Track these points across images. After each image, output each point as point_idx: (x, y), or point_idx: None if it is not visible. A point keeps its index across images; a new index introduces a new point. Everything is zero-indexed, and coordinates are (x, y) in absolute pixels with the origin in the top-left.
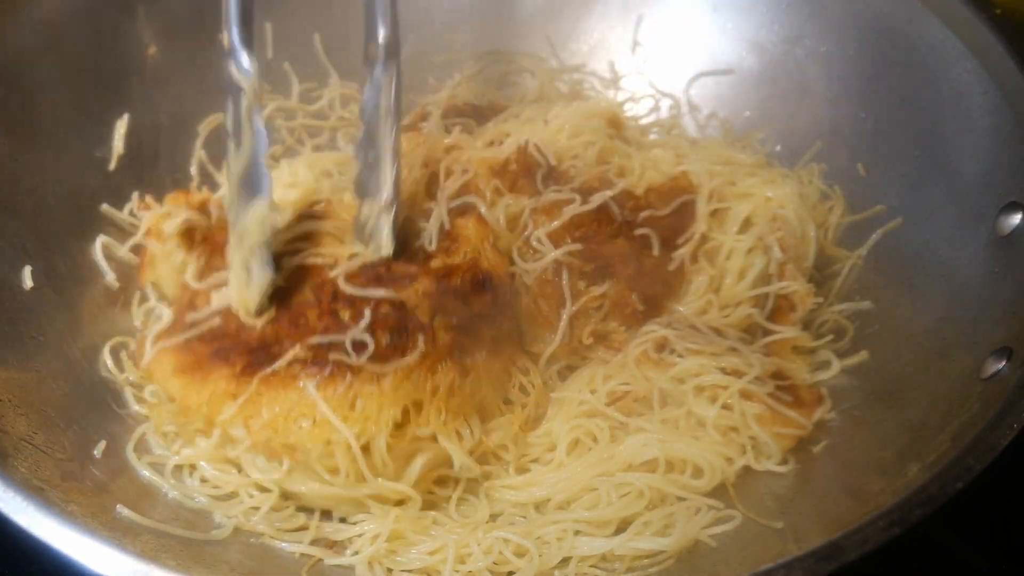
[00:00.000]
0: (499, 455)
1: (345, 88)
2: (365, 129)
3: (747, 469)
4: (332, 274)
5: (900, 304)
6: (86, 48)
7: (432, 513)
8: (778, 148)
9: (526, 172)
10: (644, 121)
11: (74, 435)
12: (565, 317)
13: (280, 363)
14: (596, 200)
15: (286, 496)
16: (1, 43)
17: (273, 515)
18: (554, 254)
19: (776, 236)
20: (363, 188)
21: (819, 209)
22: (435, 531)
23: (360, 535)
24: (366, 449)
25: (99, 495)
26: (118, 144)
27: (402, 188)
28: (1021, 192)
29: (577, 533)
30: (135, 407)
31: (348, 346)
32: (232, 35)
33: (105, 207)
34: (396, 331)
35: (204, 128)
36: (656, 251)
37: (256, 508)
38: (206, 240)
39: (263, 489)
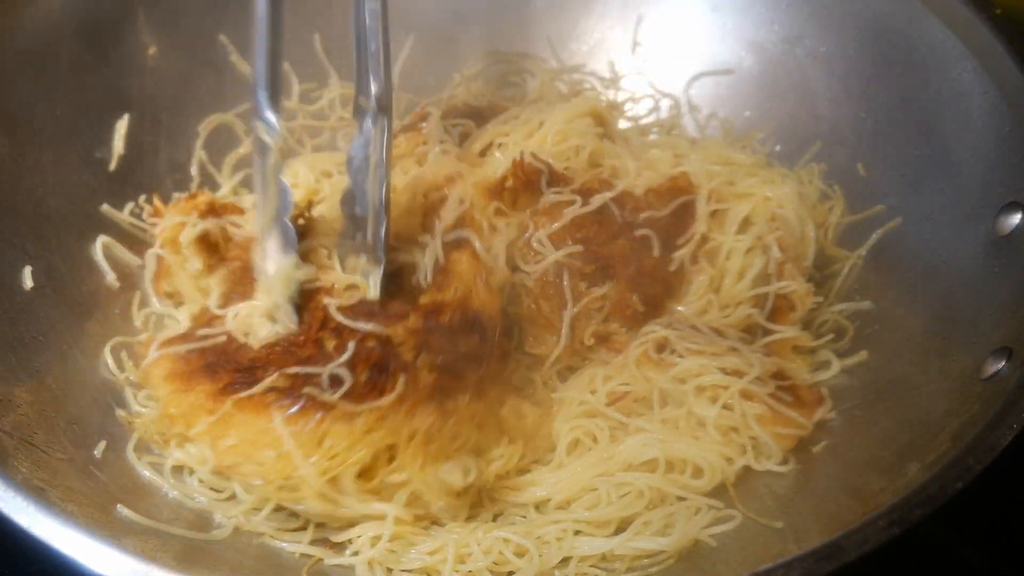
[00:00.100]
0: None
1: (345, 88)
2: (352, 182)
3: (747, 469)
4: (326, 302)
5: (900, 304)
6: (86, 49)
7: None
8: (778, 148)
9: (526, 187)
10: (644, 121)
11: (74, 435)
12: (567, 319)
13: (256, 389)
14: (596, 201)
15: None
16: (1, 43)
17: (273, 515)
18: (555, 255)
19: (775, 236)
20: (347, 243)
21: (819, 209)
22: (435, 531)
23: (360, 536)
24: (333, 484)
25: (99, 495)
26: (118, 144)
27: (394, 228)
28: (1021, 192)
29: (577, 533)
30: (135, 407)
31: (325, 380)
32: (259, 96)
33: (105, 207)
34: (377, 368)
35: (204, 128)
36: (656, 252)
37: (258, 509)
38: (224, 258)
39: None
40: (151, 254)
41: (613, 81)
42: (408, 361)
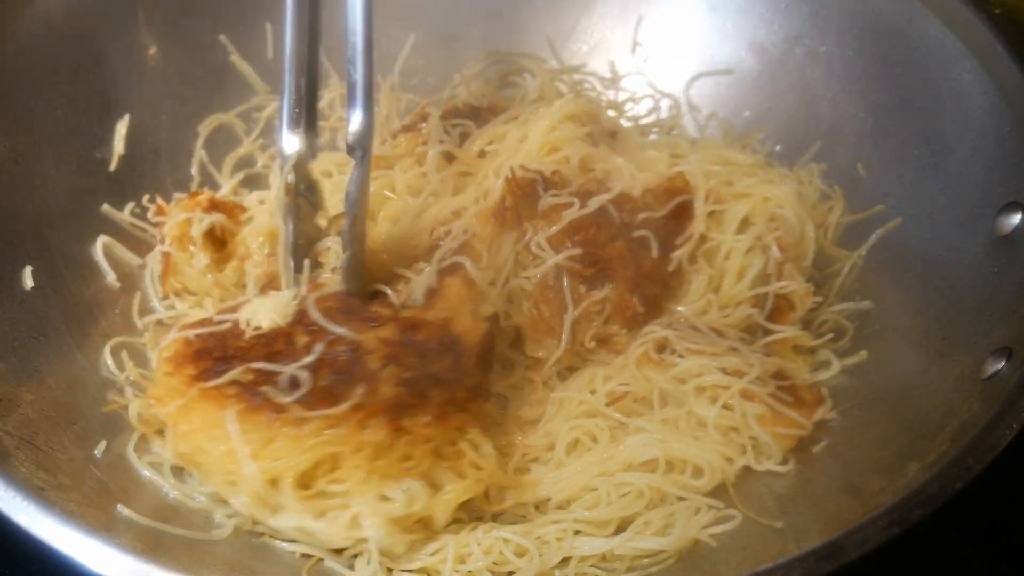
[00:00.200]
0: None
1: (345, 88)
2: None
3: (747, 469)
4: (307, 295)
5: (900, 304)
6: (86, 48)
7: None
8: (778, 148)
9: (525, 199)
10: (644, 121)
11: (74, 435)
12: (567, 323)
13: (220, 380)
14: (595, 203)
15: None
16: (1, 43)
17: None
18: (554, 259)
19: (774, 236)
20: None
21: (819, 209)
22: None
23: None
24: (272, 487)
25: (99, 495)
26: (118, 144)
27: (394, 251)
28: (1020, 192)
29: (577, 533)
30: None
31: (284, 381)
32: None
33: (106, 207)
34: (338, 375)
35: (204, 128)
36: (655, 252)
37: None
38: (230, 253)
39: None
40: (158, 251)
41: (613, 81)
42: (372, 371)
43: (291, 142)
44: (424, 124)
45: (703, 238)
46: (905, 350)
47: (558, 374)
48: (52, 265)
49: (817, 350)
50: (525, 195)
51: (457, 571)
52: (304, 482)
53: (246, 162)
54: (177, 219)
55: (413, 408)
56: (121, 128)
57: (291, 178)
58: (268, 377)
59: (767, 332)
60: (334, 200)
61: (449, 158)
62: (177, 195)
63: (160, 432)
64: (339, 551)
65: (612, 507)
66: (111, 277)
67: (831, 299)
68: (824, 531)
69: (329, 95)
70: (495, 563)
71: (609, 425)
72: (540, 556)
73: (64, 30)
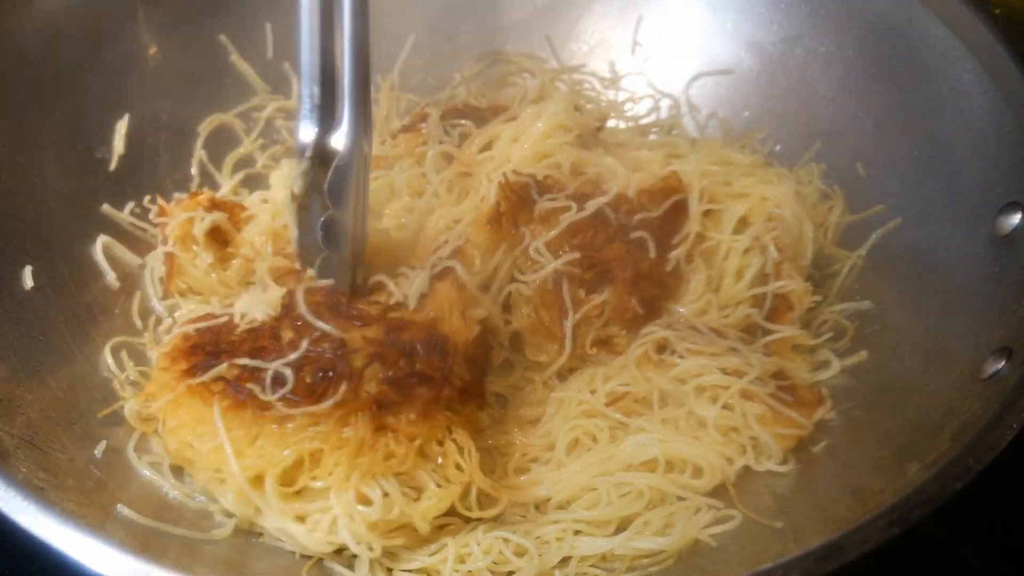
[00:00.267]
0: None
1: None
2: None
3: (747, 469)
4: (295, 286)
5: (900, 304)
6: (86, 49)
7: None
8: (778, 148)
9: (519, 203)
10: (644, 121)
11: (74, 434)
12: (568, 327)
13: (206, 376)
14: (591, 207)
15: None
16: (1, 43)
17: None
18: (554, 264)
19: (772, 236)
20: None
21: (819, 209)
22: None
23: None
24: (257, 484)
25: (99, 494)
26: (118, 144)
27: (387, 256)
28: (1020, 192)
29: (577, 533)
30: (126, 409)
31: (268, 378)
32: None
33: (106, 207)
34: (322, 372)
35: (204, 128)
36: (652, 253)
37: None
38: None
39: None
40: (161, 252)
41: (613, 81)
42: (356, 368)
43: (307, 132)
44: (424, 124)
45: (700, 237)
46: (905, 350)
47: (558, 374)
48: (52, 265)
49: (817, 350)
50: (519, 199)
51: (457, 571)
52: (287, 481)
53: (246, 162)
54: (179, 219)
55: (397, 406)
56: (121, 128)
57: (299, 186)
58: (254, 374)
59: (767, 332)
60: None
61: (449, 158)
62: (177, 195)
63: (157, 431)
64: (338, 551)
65: (612, 507)
66: (111, 277)
67: (831, 299)
68: (824, 531)
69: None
70: (495, 563)
71: (609, 425)
72: (540, 556)
73: (64, 30)
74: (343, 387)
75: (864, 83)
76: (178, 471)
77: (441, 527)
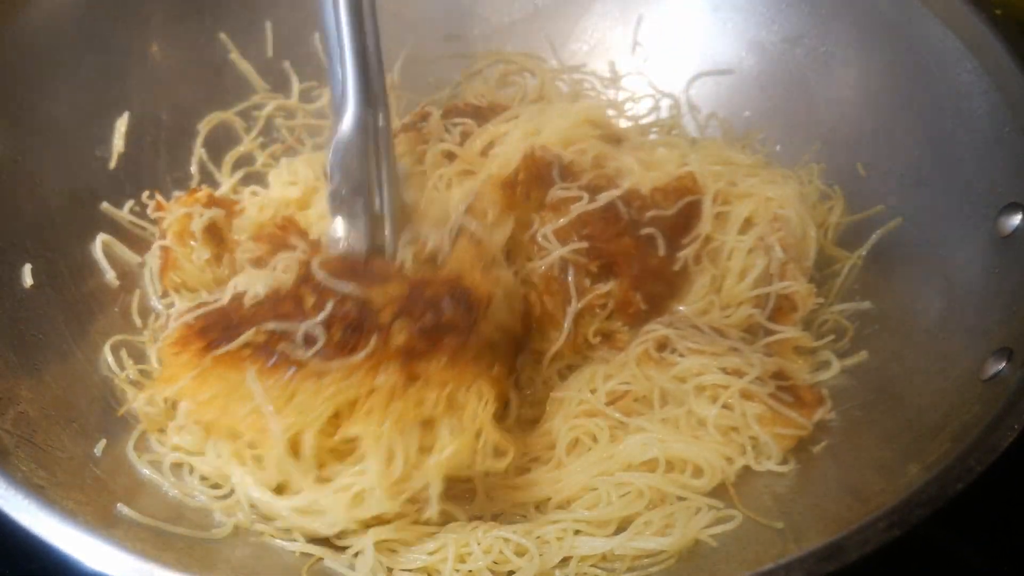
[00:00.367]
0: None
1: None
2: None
3: (747, 469)
4: (311, 258)
5: (900, 304)
6: (86, 47)
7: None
8: (778, 148)
9: (538, 180)
10: (644, 121)
11: (74, 433)
12: (570, 314)
13: (233, 344)
14: (603, 199)
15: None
16: (1, 42)
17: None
18: (560, 251)
19: (777, 236)
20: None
21: (819, 209)
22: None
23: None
24: (295, 444)
25: (99, 493)
26: (118, 143)
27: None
28: (1021, 192)
29: (577, 532)
30: (135, 405)
31: (299, 337)
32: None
33: (105, 206)
34: (351, 328)
35: (204, 127)
36: (662, 251)
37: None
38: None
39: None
40: (158, 246)
41: (613, 81)
42: (384, 323)
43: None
44: (424, 123)
45: (708, 238)
46: (905, 351)
47: (558, 373)
48: (51, 263)
49: (817, 350)
50: (539, 175)
51: (457, 571)
52: (323, 440)
53: (246, 160)
54: (177, 214)
55: (425, 353)
56: (121, 126)
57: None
58: (281, 337)
59: (768, 332)
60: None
61: (450, 157)
62: (176, 194)
63: (162, 430)
64: (340, 550)
65: (612, 507)
66: (110, 275)
67: (831, 299)
68: (824, 532)
69: (329, 94)
70: (495, 563)
71: (609, 424)
72: (540, 556)
73: (64, 28)
74: (373, 339)
75: (864, 83)
76: (177, 469)
77: (443, 523)
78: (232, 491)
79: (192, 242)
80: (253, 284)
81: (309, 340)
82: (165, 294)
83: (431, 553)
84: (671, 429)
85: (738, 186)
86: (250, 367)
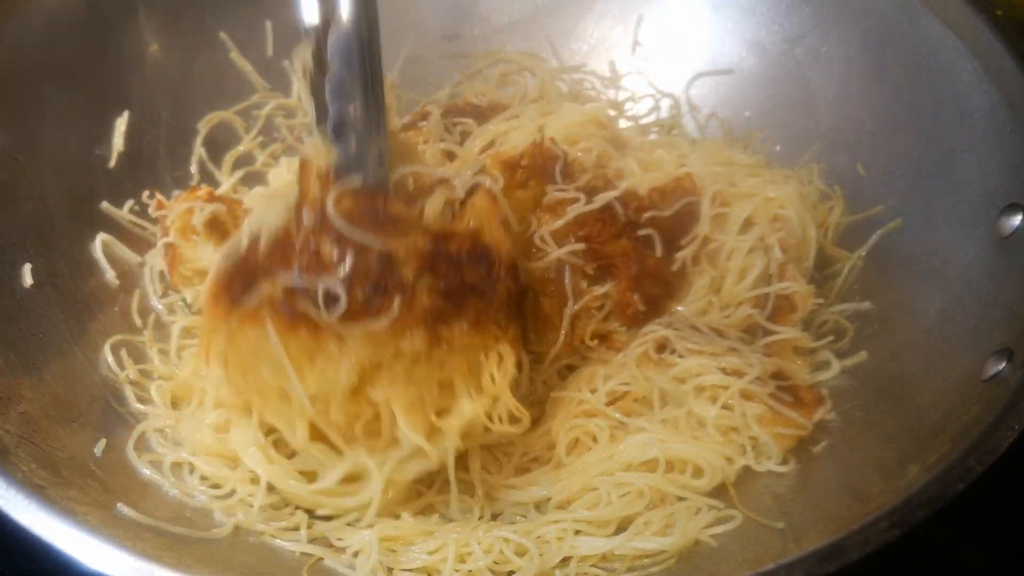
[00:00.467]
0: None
1: None
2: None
3: (747, 469)
4: (325, 200)
5: (900, 304)
6: (86, 46)
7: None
8: (778, 148)
9: (540, 171)
10: (644, 121)
11: (74, 433)
12: (567, 316)
13: (252, 302)
14: (600, 200)
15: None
16: (1, 42)
17: (272, 512)
18: (557, 252)
19: (777, 236)
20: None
21: (819, 209)
22: (435, 530)
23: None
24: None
25: (99, 493)
26: (118, 142)
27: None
28: (1021, 193)
29: (577, 532)
30: (135, 405)
31: (320, 298)
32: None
33: (105, 205)
34: (374, 287)
35: (204, 126)
36: (659, 252)
37: (250, 504)
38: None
39: (256, 482)
40: (161, 244)
41: (613, 81)
42: (407, 281)
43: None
44: (424, 123)
45: (707, 239)
46: (905, 350)
47: (558, 373)
48: (51, 262)
49: (817, 351)
50: (543, 165)
51: (457, 570)
52: (353, 397)
53: (246, 160)
54: (179, 210)
55: (449, 316)
56: (120, 125)
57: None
58: (300, 295)
59: (768, 333)
60: None
61: (450, 156)
62: (176, 193)
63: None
64: (339, 550)
65: (612, 507)
66: (110, 275)
67: (831, 300)
68: (825, 532)
69: None
70: (495, 563)
71: (609, 425)
72: (540, 556)
73: (64, 27)
74: (397, 301)
75: (865, 83)
76: (177, 469)
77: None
78: (232, 491)
79: (195, 237)
80: (267, 218)
81: (329, 299)
82: (165, 294)
83: (431, 553)
84: (671, 429)
85: (738, 186)
86: (269, 323)
